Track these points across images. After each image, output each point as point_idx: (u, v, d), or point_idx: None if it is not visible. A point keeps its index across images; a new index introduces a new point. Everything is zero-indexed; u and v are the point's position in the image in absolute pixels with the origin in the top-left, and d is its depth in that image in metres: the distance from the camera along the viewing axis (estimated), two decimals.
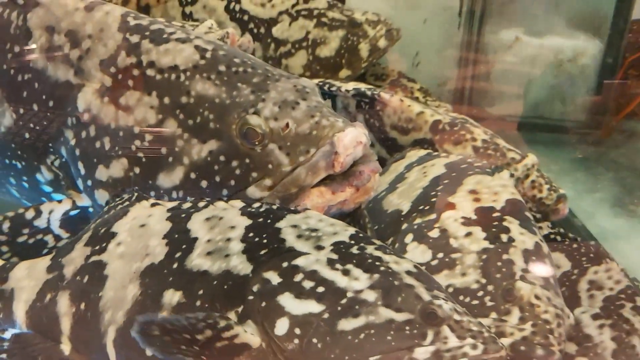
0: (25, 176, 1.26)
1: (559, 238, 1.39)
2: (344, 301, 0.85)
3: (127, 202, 1.07)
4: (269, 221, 0.97)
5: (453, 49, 2.67)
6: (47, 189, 1.27)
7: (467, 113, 2.78)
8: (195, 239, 0.96)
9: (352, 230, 0.97)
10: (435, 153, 1.66)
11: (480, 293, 1.17)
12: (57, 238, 1.20)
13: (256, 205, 1.01)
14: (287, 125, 1.07)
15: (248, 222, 0.96)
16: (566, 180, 2.22)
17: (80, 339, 1.00)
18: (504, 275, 1.17)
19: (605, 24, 2.50)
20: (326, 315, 0.84)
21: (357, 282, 0.86)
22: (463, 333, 0.84)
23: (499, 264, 1.19)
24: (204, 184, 1.09)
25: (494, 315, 1.14)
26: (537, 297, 1.14)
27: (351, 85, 1.98)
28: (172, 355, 0.85)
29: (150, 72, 1.12)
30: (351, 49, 2.22)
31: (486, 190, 1.35)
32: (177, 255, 0.95)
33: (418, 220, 1.35)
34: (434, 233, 1.28)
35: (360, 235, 0.97)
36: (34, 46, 1.17)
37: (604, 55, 2.51)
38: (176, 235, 0.98)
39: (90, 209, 1.22)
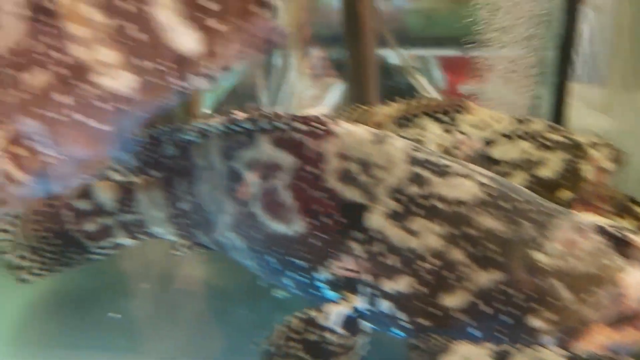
0: (305, 273, 1.40)
1: None
2: None
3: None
4: None
5: None
6: (321, 285, 1.40)
7: None
8: None
9: None
10: None
11: None
12: (340, 337, 1.32)
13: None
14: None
15: None
16: None
17: None
18: None
19: None
20: None
21: None
22: None
23: None
24: (487, 309, 1.18)
25: None
26: None
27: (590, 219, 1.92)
28: None
29: (434, 202, 1.26)
30: (573, 171, 2.19)
31: None
32: None
33: None
34: None
35: None
36: (328, 169, 1.35)
37: None
38: None
39: (367, 312, 1.33)
